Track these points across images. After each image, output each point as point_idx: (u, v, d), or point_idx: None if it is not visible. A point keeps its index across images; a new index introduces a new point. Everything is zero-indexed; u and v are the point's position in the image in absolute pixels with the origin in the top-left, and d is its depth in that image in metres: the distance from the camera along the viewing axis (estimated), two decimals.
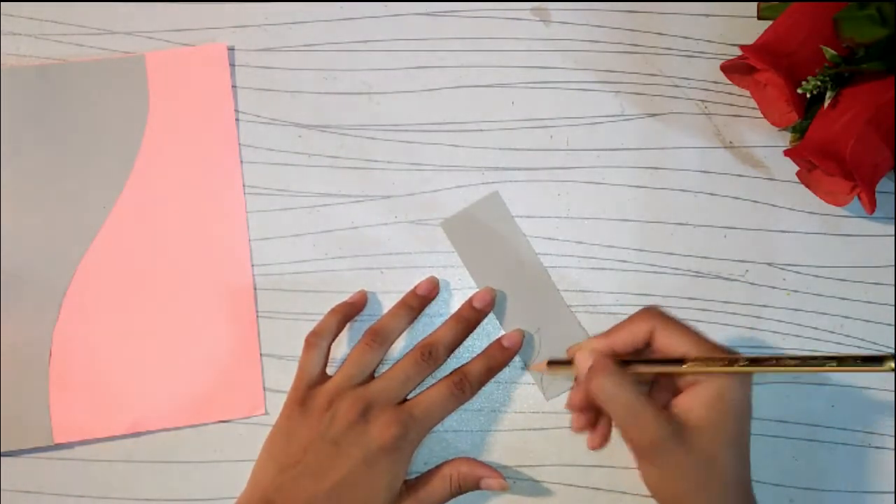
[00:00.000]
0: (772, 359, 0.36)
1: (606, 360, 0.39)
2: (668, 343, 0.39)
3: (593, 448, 0.43)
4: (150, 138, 0.49)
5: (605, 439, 0.42)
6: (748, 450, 0.38)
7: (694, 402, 0.37)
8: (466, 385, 0.43)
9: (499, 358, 0.46)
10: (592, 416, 0.42)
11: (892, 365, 0.31)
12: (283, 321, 0.48)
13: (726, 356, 0.37)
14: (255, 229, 0.49)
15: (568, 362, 0.42)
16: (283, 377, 0.48)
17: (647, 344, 0.40)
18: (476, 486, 0.43)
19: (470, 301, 0.46)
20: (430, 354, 0.43)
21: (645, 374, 0.41)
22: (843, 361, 0.33)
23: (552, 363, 0.44)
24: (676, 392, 0.39)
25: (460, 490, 0.43)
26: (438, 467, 0.44)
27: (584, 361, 0.40)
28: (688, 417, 0.37)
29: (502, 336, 0.46)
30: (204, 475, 0.47)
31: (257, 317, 0.48)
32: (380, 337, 0.44)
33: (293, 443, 0.41)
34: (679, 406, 0.38)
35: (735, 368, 0.37)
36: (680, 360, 0.38)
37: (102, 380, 0.47)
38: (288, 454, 0.41)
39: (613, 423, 0.40)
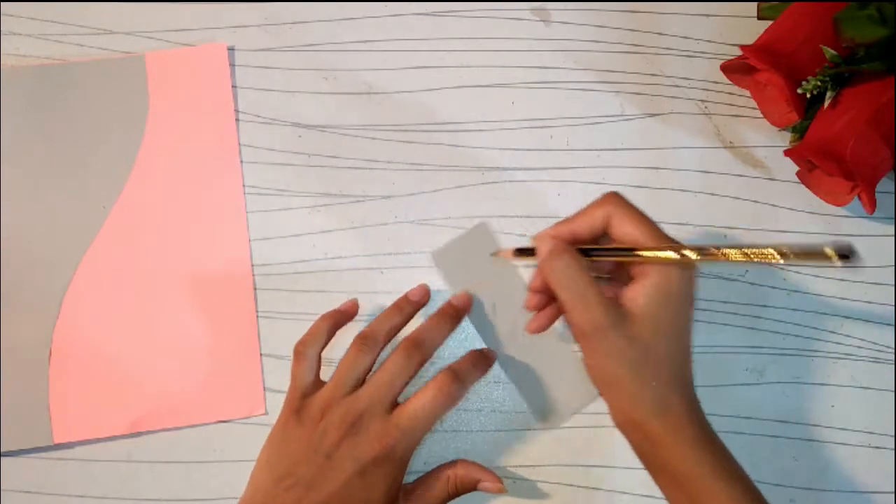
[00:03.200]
0: (715, 249, 0.36)
1: (562, 244, 0.39)
2: (622, 231, 0.39)
3: (530, 331, 0.44)
4: (150, 138, 0.49)
5: (547, 323, 0.43)
6: (687, 343, 0.39)
7: (638, 291, 0.38)
8: (448, 379, 0.42)
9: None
10: (545, 300, 0.43)
11: (832, 252, 0.30)
12: (283, 321, 0.48)
13: (673, 246, 0.37)
14: (255, 229, 0.49)
15: (533, 250, 0.42)
16: (283, 377, 0.48)
17: (605, 231, 0.40)
18: (473, 488, 0.43)
19: (450, 301, 0.46)
20: (416, 348, 0.42)
21: (603, 264, 0.41)
22: (785, 256, 0.33)
23: (518, 251, 0.44)
24: (629, 282, 0.39)
25: (458, 492, 0.43)
26: (436, 470, 0.44)
27: (543, 247, 0.40)
28: (631, 306, 0.38)
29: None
30: (204, 475, 0.47)
31: (257, 317, 0.48)
32: (370, 341, 0.43)
33: (288, 454, 0.41)
34: (625, 295, 0.38)
35: (677, 258, 0.37)
36: (631, 250, 0.38)
37: (102, 380, 0.47)
38: (283, 465, 0.41)
39: (561, 306, 0.40)
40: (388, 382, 0.42)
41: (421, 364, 0.43)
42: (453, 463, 0.44)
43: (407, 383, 0.42)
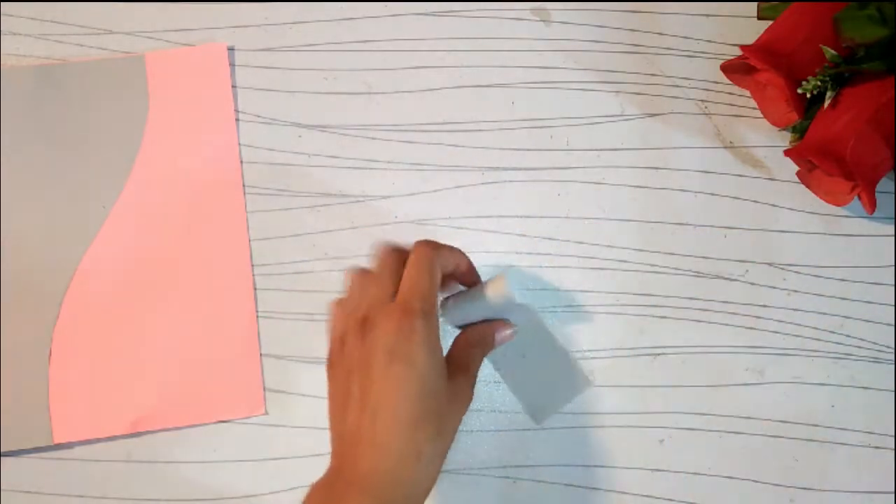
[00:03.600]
0: None
1: None
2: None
3: None
4: (150, 138, 0.49)
5: None
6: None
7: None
8: (421, 247, 0.39)
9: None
10: None
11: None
12: (283, 321, 0.48)
13: None
14: (255, 229, 0.49)
15: None
16: (283, 377, 0.48)
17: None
18: (492, 342, 0.42)
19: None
20: (383, 247, 0.40)
21: None
22: None
23: None
24: None
25: (484, 351, 0.41)
26: (460, 337, 0.41)
27: None
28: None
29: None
30: (204, 475, 0.47)
31: (257, 317, 0.48)
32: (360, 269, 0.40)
33: (332, 394, 0.38)
34: None
35: None
36: None
37: (102, 380, 0.47)
38: (335, 407, 0.38)
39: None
40: (377, 280, 0.38)
41: (397, 255, 0.39)
42: (468, 331, 0.42)
43: (397, 275, 0.39)
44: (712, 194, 0.50)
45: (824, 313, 0.48)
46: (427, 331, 0.36)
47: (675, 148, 0.50)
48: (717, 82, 0.50)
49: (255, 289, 0.48)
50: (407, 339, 0.36)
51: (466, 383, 0.40)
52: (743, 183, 0.50)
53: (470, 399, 0.39)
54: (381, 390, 0.36)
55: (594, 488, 0.47)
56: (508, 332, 0.42)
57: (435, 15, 0.51)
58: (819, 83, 0.43)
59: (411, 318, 0.36)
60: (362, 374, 0.36)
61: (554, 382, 0.46)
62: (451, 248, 0.41)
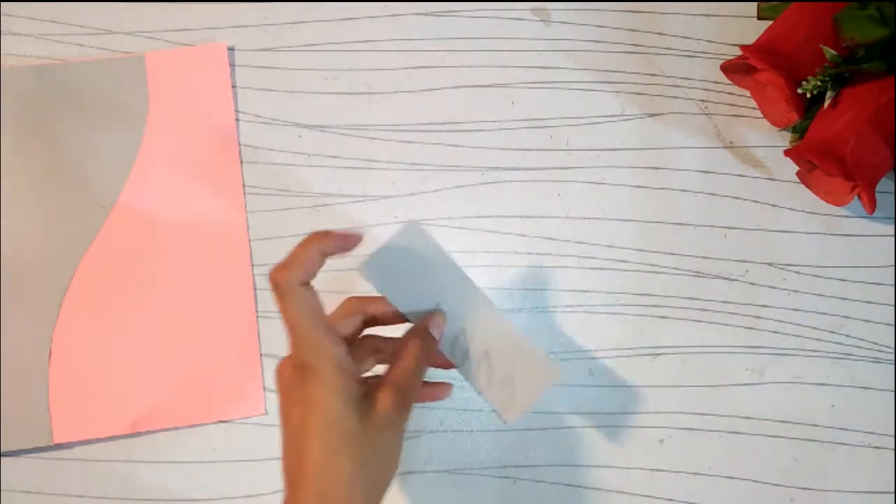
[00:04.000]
0: None
1: None
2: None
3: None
4: (150, 138, 0.49)
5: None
6: None
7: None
8: (275, 274, 0.35)
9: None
10: None
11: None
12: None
13: None
14: (255, 229, 0.49)
15: None
16: None
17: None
18: (431, 338, 0.39)
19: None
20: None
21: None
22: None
23: None
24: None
25: (427, 351, 0.38)
26: (402, 341, 0.38)
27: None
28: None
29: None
30: (204, 475, 0.47)
31: (257, 317, 0.48)
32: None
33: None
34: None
35: None
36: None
37: (102, 380, 0.47)
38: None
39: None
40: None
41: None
42: (407, 338, 0.39)
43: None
44: (712, 194, 0.50)
45: (824, 313, 0.48)
46: (321, 370, 0.35)
47: (675, 148, 0.50)
48: (717, 82, 0.50)
49: (255, 289, 0.48)
50: (303, 384, 0.36)
51: (394, 403, 0.36)
52: (743, 183, 0.50)
53: (398, 419, 0.37)
54: (291, 429, 0.36)
55: (594, 488, 0.47)
56: (439, 317, 0.39)
57: (435, 15, 0.51)
58: (819, 83, 0.43)
59: (304, 371, 0.36)
60: (282, 417, 0.37)
61: (520, 378, 0.42)
62: (304, 250, 0.35)
